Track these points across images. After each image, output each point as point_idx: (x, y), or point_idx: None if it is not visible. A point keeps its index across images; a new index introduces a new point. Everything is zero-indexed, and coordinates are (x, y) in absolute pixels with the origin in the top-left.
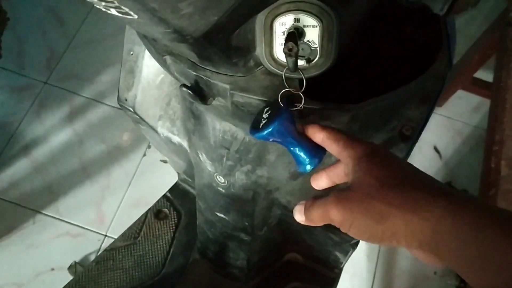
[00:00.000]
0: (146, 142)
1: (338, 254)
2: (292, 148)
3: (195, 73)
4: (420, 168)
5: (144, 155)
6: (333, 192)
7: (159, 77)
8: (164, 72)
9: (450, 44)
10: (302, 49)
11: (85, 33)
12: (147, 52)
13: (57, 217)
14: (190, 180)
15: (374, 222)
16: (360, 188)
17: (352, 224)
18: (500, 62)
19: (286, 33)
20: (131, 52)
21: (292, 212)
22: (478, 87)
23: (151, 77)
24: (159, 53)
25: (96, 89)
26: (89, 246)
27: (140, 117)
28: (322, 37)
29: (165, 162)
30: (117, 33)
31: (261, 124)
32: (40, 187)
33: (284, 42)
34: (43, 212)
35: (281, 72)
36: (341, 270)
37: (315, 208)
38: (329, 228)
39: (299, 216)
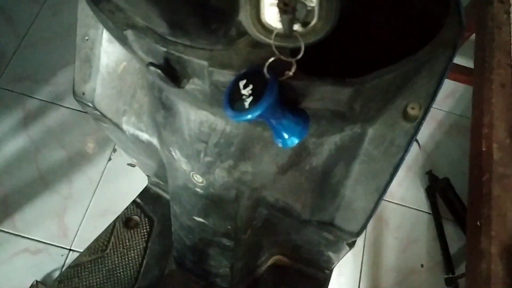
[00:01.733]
0: (111, 146)
1: (331, 254)
2: (275, 123)
3: (164, 49)
4: None
5: (110, 159)
6: None
7: (121, 65)
8: (127, 59)
9: (459, 5)
10: (297, 9)
11: (38, 31)
12: (105, 36)
13: (13, 232)
14: (162, 183)
15: None
16: None
17: None
18: (481, 41)
19: None
20: (86, 38)
21: (280, 211)
22: (451, 71)
23: (111, 66)
24: (118, 28)
25: (52, 91)
26: (52, 262)
27: (101, 113)
28: None
29: (133, 166)
30: (73, 30)
31: (246, 103)
32: None
33: None
34: None
35: (270, 40)
36: (331, 271)
37: None
38: (324, 226)
39: None
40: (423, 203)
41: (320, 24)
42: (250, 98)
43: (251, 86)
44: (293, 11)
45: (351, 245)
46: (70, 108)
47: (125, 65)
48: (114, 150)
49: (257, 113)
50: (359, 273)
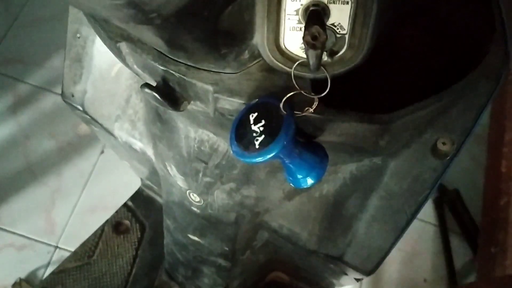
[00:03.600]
0: None
1: (334, 281)
2: (289, 162)
3: (163, 68)
4: None
5: (102, 152)
6: None
7: (116, 67)
8: None
9: (505, 31)
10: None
11: (31, 11)
12: None
13: None
14: (155, 187)
15: None
16: None
17: None
18: None
19: (301, 12)
20: (78, 35)
21: (284, 237)
22: None
23: (104, 67)
24: (111, 38)
25: (44, 76)
26: (37, 259)
27: (92, 118)
28: (355, 17)
29: None
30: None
31: (257, 142)
32: None
33: (303, 25)
34: None
35: (289, 69)
36: None
37: None
38: (331, 259)
39: None
40: (429, 214)
41: (350, 53)
42: (262, 137)
43: (263, 122)
44: (322, 45)
45: (359, 280)
46: None
47: (120, 67)
48: None
49: (268, 156)
50: (358, 285)
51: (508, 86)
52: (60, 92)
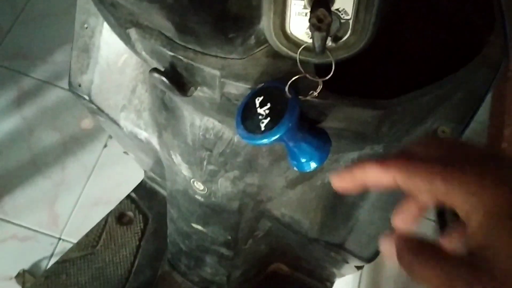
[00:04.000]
0: (108, 132)
1: (335, 271)
2: (292, 145)
3: (171, 53)
4: None
5: (105, 145)
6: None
7: (122, 57)
8: (129, 51)
9: (504, 22)
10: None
11: (36, 5)
12: (106, 25)
13: (1, 217)
14: (159, 179)
15: None
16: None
17: None
18: None
19: None
20: (86, 25)
21: (286, 226)
22: None
23: (111, 58)
24: (121, 25)
25: (48, 70)
26: (40, 251)
27: (98, 107)
28: (359, 3)
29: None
30: (73, 6)
31: (262, 124)
32: None
33: (309, 9)
34: None
35: (294, 54)
36: (333, 283)
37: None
38: (332, 246)
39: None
40: (429, 210)
41: (354, 39)
42: (267, 119)
43: (268, 105)
44: (327, 27)
45: (360, 268)
46: (66, 89)
47: (126, 57)
48: (110, 137)
49: (273, 137)
50: (358, 281)
51: (507, 82)
52: (64, 86)
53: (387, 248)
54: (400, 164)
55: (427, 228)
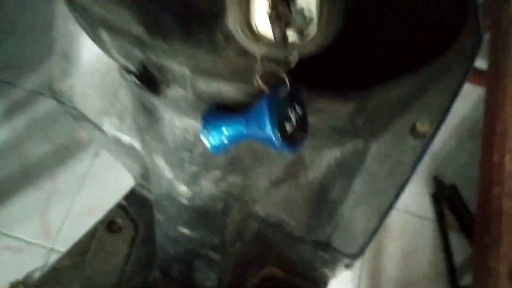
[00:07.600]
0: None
1: (326, 271)
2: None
3: (141, 53)
4: None
5: (97, 155)
6: None
7: (103, 62)
8: None
9: (477, 13)
10: (290, 20)
11: (26, 16)
12: None
13: None
14: (148, 186)
15: None
16: None
17: None
18: (496, 44)
19: None
20: (65, 32)
21: (273, 226)
22: None
23: (92, 63)
24: (92, 27)
25: (39, 80)
26: (33, 261)
27: (81, 113)
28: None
29: None
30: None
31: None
32: None
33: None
34: None
35: (260, 50)
36: (326, 285)
37: None
38: (319, 245)
39: None
40: (428, 210)
41: (320, 33)
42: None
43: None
44: (286, 20)
45: (349, 266)
46: None
47: (107, 62)
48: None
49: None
50: (357, 282)
51: (500, 77)
52: None
53: None
54: None
55: (427, 228)
